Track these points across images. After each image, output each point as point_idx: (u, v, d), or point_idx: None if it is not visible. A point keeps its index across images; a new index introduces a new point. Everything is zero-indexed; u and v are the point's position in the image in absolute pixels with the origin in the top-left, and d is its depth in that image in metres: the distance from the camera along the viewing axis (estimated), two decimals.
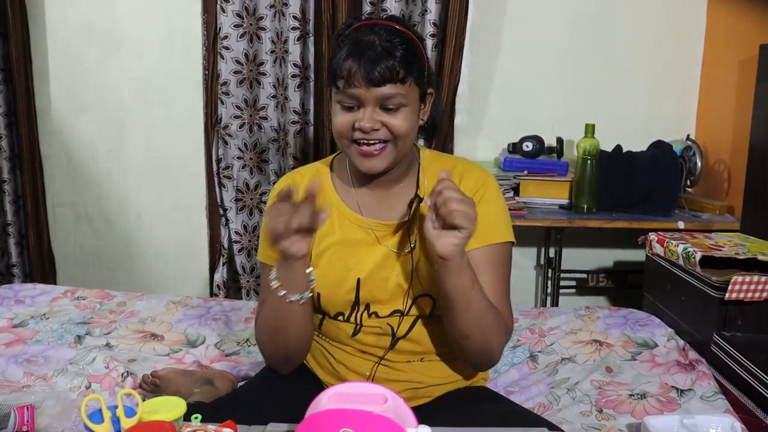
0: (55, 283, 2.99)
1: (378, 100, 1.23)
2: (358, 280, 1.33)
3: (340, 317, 1.36)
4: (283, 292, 1.23)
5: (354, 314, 1.35)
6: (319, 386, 1.44)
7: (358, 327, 1.36)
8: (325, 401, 0.92)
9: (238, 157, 2.77)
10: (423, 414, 1.40)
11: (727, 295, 1.80)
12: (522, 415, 1.32)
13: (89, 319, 2.15)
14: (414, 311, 1.35)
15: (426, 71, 1.31)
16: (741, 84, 2.52)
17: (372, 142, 1.26)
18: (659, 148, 2.56)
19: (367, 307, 1.35)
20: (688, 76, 2.82)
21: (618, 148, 2.55)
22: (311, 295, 1.27)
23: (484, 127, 2.80)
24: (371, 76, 1.21)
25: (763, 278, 1.79)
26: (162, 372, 1.74)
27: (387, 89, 1.23)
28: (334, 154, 1.47)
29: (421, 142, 1.64)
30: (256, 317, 1.37)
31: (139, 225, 3.01)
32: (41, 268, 2.98)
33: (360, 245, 1.35)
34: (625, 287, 2.83)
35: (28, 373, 1.77)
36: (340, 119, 1.27)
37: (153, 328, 2.11)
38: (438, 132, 1.45)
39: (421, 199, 1.34)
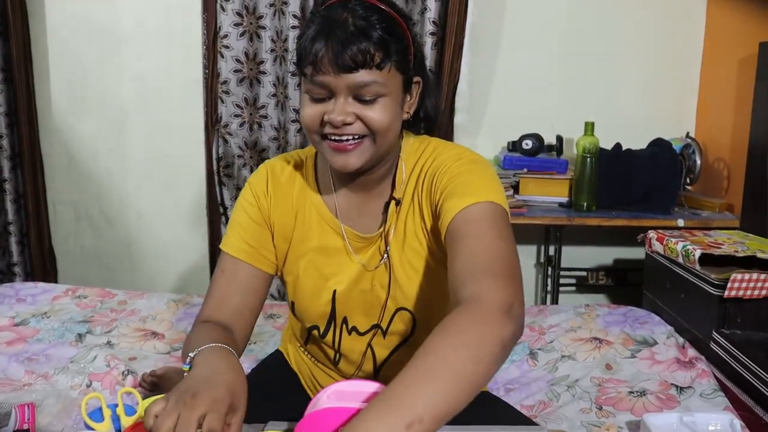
0: (56, 281, 2.99)
1: (351, 89, 1.04)
2: (334, 292, 1.21)
3: (315, 331, 1.25)
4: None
5: (331, 329, 1.24)
6: (297, 387, 1.42)
7: (338, 355, 1.27)
8: (325, 399, 0.92)
9: (239, 156, 2.78)
10: None
11: (726, 292, 1.81)
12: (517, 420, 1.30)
13: (90, 318, 2.15)
14: (394, 328, 1.22)
15: (410, 55, 1.10)
16: (741, 82, 2.52)
17: (345, 138, 1.07)
18: (659, 146, 2.56)
19: (345, 321, 1.24)
20: (688, 74, 2.83)
21: (617, 146, 2.56)
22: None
23: (484, 126, 2.80)
24: (341, 60, 1.01)
25: (763, 276, 1.80)
26: (161, 371, 1.75)
27: (361, 76, 1.03)
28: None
29: None
30: (194, 325, 1.19)
31: (140, 224, 3.01)
32: (42, 266, 2.99)
33: (337, 254, 1.21)
34: (624, 285, 2.84)
35: (29, 372, 1.77)
36: (308, 111, 1.07)
37: (154, 326, 2.12)
38: (437, 128, 1.25)
39: (398, 202, 1.18)
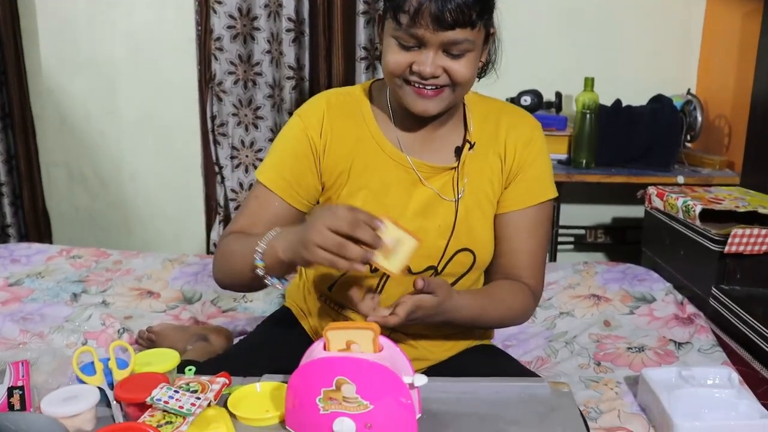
0: (50, 243, 2.97)
1: (443, 44, 1.07)
2: None
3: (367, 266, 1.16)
4: (262, 273, 1.06)
5: None
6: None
7: (380, 288, 1.23)
8: (320, 349, 0.91)
9: (233, 114, 2.74)
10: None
11: (726, 248, 1.79)
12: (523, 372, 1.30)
13: (85, 278, 2.14)
14: (449, 269, 1.23)
15: (492, 11, 1.13)
16: (744, 37, 2.47)
17: (429, 87, 1.11)
18: (659, 102, 2.52)
19: None
20: (690, 29, 2.77)
21: (617, 102, 2.52)
22: (284, 284, 1.09)
23: (482, 82, 2.74)
24: (442, 17, 1.03)
25: (763, 231, 1.78)
26: (157, 327, 1.74)
27: (456, 34, 1.05)
28: (370, 81, 1.30)
29: None
30: (223, 236, 1.21)
31: (134, 184, 2.98)
32: (36, 228, 2.96)
33: (399, 185, 1.21)
34: (623, 243, 2.82)
35: (24, 331, 1.77)
36: (396, 57, 1.09)
37: (149, 285, 2.10)
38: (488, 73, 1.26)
39: (471, 145, 1.22)
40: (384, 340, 0.91)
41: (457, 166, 1.21)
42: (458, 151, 1.22)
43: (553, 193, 1.27)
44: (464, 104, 1.26)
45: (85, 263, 2.26)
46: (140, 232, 3.03)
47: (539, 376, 1.23)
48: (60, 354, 1.60)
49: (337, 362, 0.85)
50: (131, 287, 2.09)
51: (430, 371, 1.35)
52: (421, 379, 0.89)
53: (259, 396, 0.99)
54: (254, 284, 1.10)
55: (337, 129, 1.21)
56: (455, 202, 1.21)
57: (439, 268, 1.23)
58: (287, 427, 0.92)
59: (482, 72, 1.23)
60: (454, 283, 1.25)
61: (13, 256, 2.29)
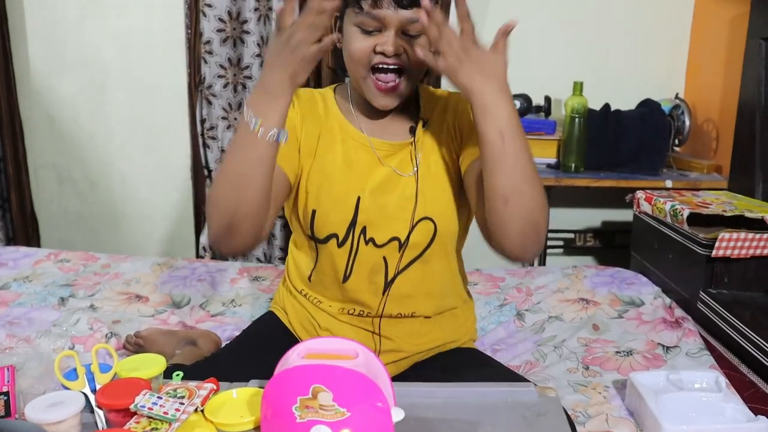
0: (39, 246, 2.96)
1: (402, 23, 1.16)
2: (358, 198, 1.27)
3: (334, 239, 1.28)
4: (260, 126, 1.07)
5: (350, 238, 1.28)
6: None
7: (350, 269, 1.29)
8: (295, 357, 0.90)
9: (223, 118, 2.73)
10: (403, 375, 1.40)
11: (714, 252, 1.80)
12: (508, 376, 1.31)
13: (73, 282, 2.13)
14: (413, 239, 1.28)
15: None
16: (731, 41, 2.49)
17: (391, 66, 1.19)
18: (647, 106, 2.54)
19: (364, 231, 1.28)
20: (678, 33, 2.79)
21: (606, 106, 2.53)
22: (286, 137, 1.11)
23: None
24: None
25: (750, 235, 1.79)
26: (145, 332, 1.73)
27: (414, 12, 1.14)
28: (332, 86, 1.39)
29: None
30: (216, 172, 1.26)
31: (124, 187, 2.97)
32: (24, 231, 2.95)
33: (362, 164, 1.29)
34: (612, 247, 2.83)
35: (11, 335, 1.75)
36: (360, 44, 1.18)
37: (137, 289, 2.09)
38: (430, 74, 1.35)
39: (425, 122, 1.31)
40: (359, 347, 0.92)
41: (413, 141, 1.30)
42: (413, 130, 1.31)
43: None
44: (418, 93, 1.36)
45: (73, 267, 2.25)
46: (129, 234, 3.02)
47: (527, 380, 1.23)
48: (47, 359, 1.58)
49: (313, 370, 0.85)
50: (119, 291, 2.07)
51: (416, 372, 1.37)
52: (399, 414, 0.88)
53: (235, 402, 0.99)
54: (258, 169, 1.10)
55: (306, 109, 1.30)
56: (414, 175, 1.29)
57: (402, 239, 1.29)
58: None
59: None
60: (419, 256, 1.31)
61: (0, 260, 2.28)
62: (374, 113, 1.31)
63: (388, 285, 1.31)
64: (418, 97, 1.36)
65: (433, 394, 1.01)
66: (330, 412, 0.84)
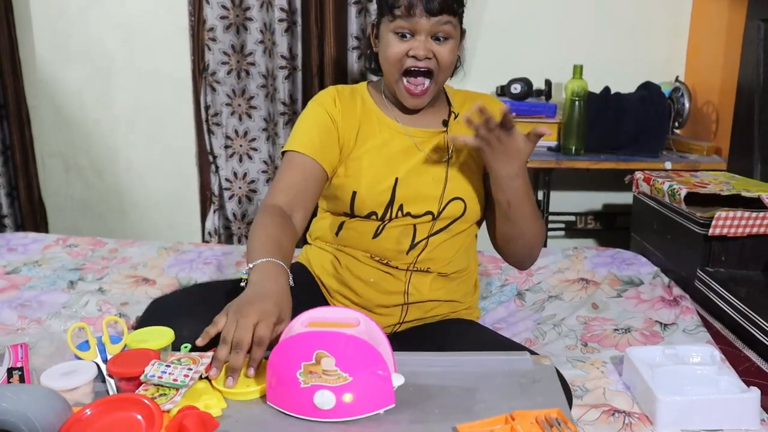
0: (47, 233, 2.99)
1: (432, 29, 1.32)
2: (396, 179, 1.40)
3: (373, 217, 1.42)
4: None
5: (388, 214, 1.41)
6: (317, 293, 1.52)
7: (382, 226, 1.42)
8: (299, 326, 0.94)
9: (227, 104, 2.76)
10: (405, 339, 1.45)
11: (710, 230, 1.83)
12: (505, 345, 1.35)
13: (82, 266, 2.17)
14: (446, 214, 1.42)
15: (463, 14, 1.40)
16: (731, 24, 2.50)
17: (422, 69, 1.35)
18: (647, 89, 2.55)
19: (401, 207, 1.41)
20: (679, 16, 2.80)
21: (606, 89, 2.55)
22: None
23: (473, 70, 2.77)
24: (431, 5, 1.29)
25: (746, 214, 1.82)
26: None
27: (442, 19, 1.31)
28: (364, 82, 1.54)
29: None
30: (260, 210, 1.36)
31: (130, 174, 3.01)
32: (32, 218, 2.99)
33: (398, 150, 1.43)
34: (613, 229, 2.86)
35: (23, 317, 1.79)
36: (395, 48, 1.34)
37: (145, 273, 2.13)
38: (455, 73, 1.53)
39: (456, 115, 1.47)
40: (361, 316, 0.96)
41: (446, 130, 1.46)
42: (445, 122, 1.48)
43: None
44: (445, 92, 1.53)
45: (81, 252, 2.29)
46: (135, 221, 3.06)
47: (526, 349, 1.27)
48: (58, 338, 1.63)
49: (316, 337, 0.88)
50: (127, 275, 2.11)
51: (416, 338, 1.45)
52: (399, 379, 0.93)
53: (242, 372, 1.02)
54: None
55: (345, 106, 1.45)
56: (446, 161, 1.44)
57: (436, 213, 1.42)
58: (269, 403, 0.95)
59: (455, 69, 1.47)
60: (447, 227, 1.45)
61: (10, 245, 2.32)
62: (407, 108, 1.45)
63: (413, 246, 1.44)
64: (446, 93, 1.53)
65: (432, 362, 1.05)
66: (333, 377, 0.88)
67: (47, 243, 2.35)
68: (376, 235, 1.43)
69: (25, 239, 2.39)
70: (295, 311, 1.05)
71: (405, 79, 1.37)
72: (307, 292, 1.49)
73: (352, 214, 1.42)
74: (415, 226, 1.43)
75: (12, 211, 2.96)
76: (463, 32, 1.43)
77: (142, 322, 1.27)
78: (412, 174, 1.41)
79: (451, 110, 1.50)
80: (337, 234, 1.48)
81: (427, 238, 1.44)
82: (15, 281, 2.04)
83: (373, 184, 1.40)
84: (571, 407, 1.15)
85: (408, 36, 1.33)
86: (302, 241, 1.56)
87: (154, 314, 1.29)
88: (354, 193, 1.40)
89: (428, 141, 1.45)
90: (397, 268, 1.44)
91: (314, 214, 1.53)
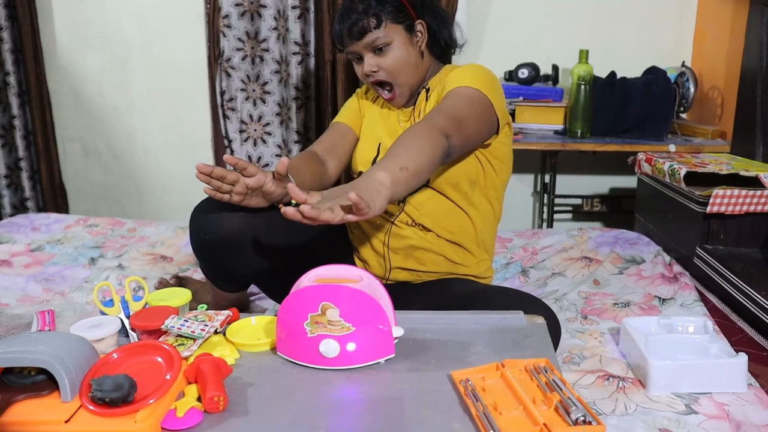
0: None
1: (368, 48, 1.50)
2: (379, 144, 1.61)
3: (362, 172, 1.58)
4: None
5: None
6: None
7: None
8: (306, 281, 1.02)
9: (242, 89, 2.83)
10: (413, 292, 1.57)
11: (708, 208, 1.88)
12: (513, 296, 1.44)
13: (102, 244, 2.25)
14: None
15: (404, 9, 1.51)
16: (737, 9, 2.53)
17: (381, 84, 1.55)
18: (653, 74, 2.59)
19: None
20: (686, 1, 2.82)
21: (612, 74, 2.59)
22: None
23: (481, 56, 2.83)
24: (352, 32, 1.49)
25: (744, 192, 1.86)
26: (182, 274, 1.88)
27: (368, 37, 1.48)
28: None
29: None
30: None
31: (147, 158, 3.09)
32: (54, 201, 3.08)
33: (387, 124, 1.64)
34: (618, 212, 2.90)
35: (47, 290, 1.88)
36: (357, 71, 1.57)
37: (162, 250, 2.21)
38: (452, 50, 1.67)
39: (428, 90, 1.59)
40: (364, 273, 1.04)
41: (414, 106, 1.60)
42: (415, 98, 1.62)
43: (476, 85, 1.45)
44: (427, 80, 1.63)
45: (101, 231, 2.37)
46: (152, 204, 3.15)
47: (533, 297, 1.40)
48: (81, 309, 1.71)
49: (322, 290, 0.96)
50: (145, 252, 2.20)
51: (413, 289, 1.59)
52: (399, 331, 1.01)
53: (253, 327, 1.11)
54: None
55: (361, 95, 1.74)
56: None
57: None
58: (279, 353, 1.03)
59: (441, 52, 1.61)
60: (427, 184, 1.55)
61: (33, 225, 2.41)
62: None
63: (404, 199, 1.57)
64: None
65: (431, 320, 1.12)
66: (337, 327, 0.95)
67: (68, 223, 2.44)
68: None
69: (47, 219, 2.48)
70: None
71: (377, 89, 1.57)
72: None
73: (349, 172, 1.69)
74: None
75: (34, 194, 3.05)
76: (411, 26, 1.52)
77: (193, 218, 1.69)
78: (390, 139, 1.60)
79: (424, 86, 1.61)
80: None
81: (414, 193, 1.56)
82: (39, 258, 2.13)
83: (365, 146, 1.65)
84: (556, 348, 1.31)
85: (358, 58, 1.54)
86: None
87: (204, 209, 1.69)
88: (352, 158, 1.68)
89: (408, 118, 1.62)
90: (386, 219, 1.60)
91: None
